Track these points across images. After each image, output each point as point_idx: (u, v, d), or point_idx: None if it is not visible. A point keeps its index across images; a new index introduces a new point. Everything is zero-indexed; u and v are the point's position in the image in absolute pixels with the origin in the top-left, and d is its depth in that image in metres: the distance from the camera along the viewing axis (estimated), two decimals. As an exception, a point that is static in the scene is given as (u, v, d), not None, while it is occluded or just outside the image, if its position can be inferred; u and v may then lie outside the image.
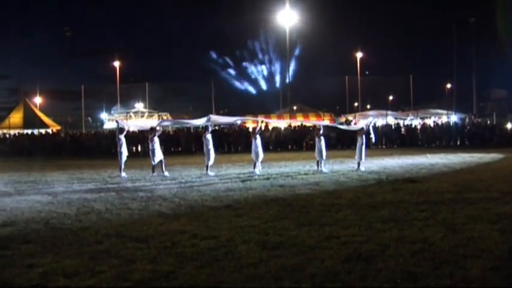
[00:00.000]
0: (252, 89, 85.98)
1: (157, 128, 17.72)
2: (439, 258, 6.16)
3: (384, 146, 33.60)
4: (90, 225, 8.63)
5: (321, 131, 17.71)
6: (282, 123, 26.94)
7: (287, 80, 46.28)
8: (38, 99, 60.15)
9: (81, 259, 6.47)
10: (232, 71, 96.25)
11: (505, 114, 50.81)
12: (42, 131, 42.15)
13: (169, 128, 35.78)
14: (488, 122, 40.61)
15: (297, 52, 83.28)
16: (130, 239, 7.45)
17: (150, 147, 16.99)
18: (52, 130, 43.70)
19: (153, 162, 16.90)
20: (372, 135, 18.21)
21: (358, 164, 17.44)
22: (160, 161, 16.95)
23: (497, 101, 68.83)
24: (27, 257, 6.62)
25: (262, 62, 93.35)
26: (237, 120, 22.54)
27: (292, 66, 73.11)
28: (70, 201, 11.43)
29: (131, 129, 18.87)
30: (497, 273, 5.62)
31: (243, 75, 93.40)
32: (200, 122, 18.85)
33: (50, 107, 64.31)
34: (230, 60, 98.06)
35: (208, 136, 17.28)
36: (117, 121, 19.24)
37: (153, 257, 6.49)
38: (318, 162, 17.36)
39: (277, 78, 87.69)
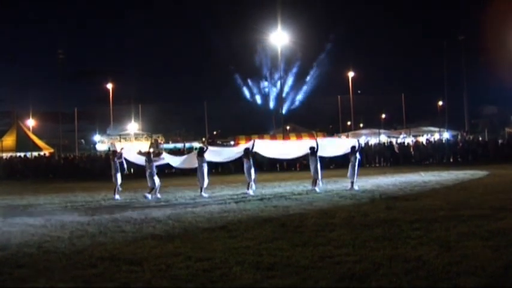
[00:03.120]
0: (245, 110, 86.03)
1: (155, 151, 17.82)
2: (433, 276, 6.18)
3: (377, 165, 33.71)
4: (84, 248, 8.60)
5: (316, 149, 17.73)
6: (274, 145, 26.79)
7: (280, 101, 46.54)
8: (31, 122, 60.01)
9: (74, 283, 6.45)
10: (225, 92, 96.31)
11: (496, 131, 51.11)
12: (35, 153, 42.02)
13: (163, 150, 35.75)
14: (480, 138, 40.82)
15: (289, 72, 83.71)
16: (125, 262, 7.42)
17: (149, 170, 16.99)
18: (45, 153, 43.60)
19: (150, 185, 16.89)
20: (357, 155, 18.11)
21: (352, 183, 17.46)
22: (158, 184, 16.99)
23: (488, 118, 69.35)
24: (20, 282, 6.59)
25: (255, 83, 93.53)
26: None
27: (286, 87, 73.61)
28: (63, 225, 11.38)
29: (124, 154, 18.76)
30: (490, 290, 5.66)
31: (237, 95, 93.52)
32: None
33: (43, 129, 64.17)
34: (223, 81, 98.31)
35: (202, 158, 17.30)
36: (112, 149, 19.20)
37: (148, 280, 6.48)
38: (314, 180, 17.39)
39: (271, 99, 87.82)
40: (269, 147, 19.18)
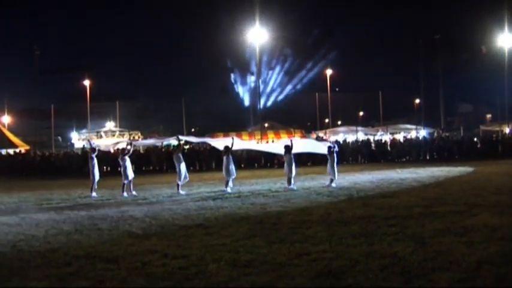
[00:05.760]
0: (224, 107, 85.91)
1: (128, 147, 17.72)
2: (408, 272, 6.24)
3: (354, 162, 33.92)
4: (59, 246, 8.50)
5: (291, 148, 17.73)
6: (251, 144, 26.88)
7: (258, 98, 46.60)
8: (6, 119, 59.04)
9: (49, 281, 6.37)
10: (205, 89, 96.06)
11: (471, 128, 51.95)
12: (11, 151, 41.38)
13: (140, 147, 35.49)
14: (456, 136, 41.42)
15: (268, 69, 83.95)
16: (100, 260, 7.35)
17: (122, 166, 16.93)
18: (20, 150, 42.94)
19: (124, 182, 16.81)
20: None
21: (331, 180, 17.49)
22: (130, 180, 16.90)
23: (463, 115, 70.46)
24: (-6, 281, 6.49)
25: (233, 80, 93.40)
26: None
27: (263, 84, 73.69)
28: (38, 223, 11.23)
29: (101, 149, 18.63)
30: (464, 285, 5.74)
31: (215, 93, 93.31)
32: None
33: (19, 126, 63.15)
34: (201, 78, 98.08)
35: (180, 154, 17.25)
36: (88, 140, 19.04)
37: (123, 278, 6.43)
38: (288, 179, 17.40)
39: (248, 96, 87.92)
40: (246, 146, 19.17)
